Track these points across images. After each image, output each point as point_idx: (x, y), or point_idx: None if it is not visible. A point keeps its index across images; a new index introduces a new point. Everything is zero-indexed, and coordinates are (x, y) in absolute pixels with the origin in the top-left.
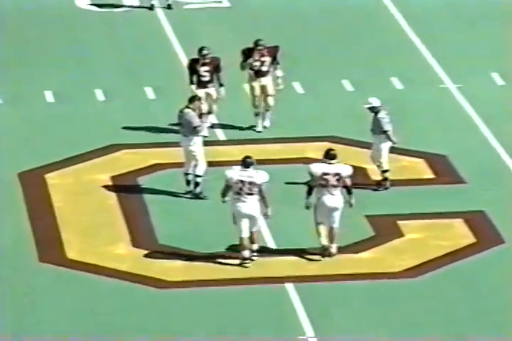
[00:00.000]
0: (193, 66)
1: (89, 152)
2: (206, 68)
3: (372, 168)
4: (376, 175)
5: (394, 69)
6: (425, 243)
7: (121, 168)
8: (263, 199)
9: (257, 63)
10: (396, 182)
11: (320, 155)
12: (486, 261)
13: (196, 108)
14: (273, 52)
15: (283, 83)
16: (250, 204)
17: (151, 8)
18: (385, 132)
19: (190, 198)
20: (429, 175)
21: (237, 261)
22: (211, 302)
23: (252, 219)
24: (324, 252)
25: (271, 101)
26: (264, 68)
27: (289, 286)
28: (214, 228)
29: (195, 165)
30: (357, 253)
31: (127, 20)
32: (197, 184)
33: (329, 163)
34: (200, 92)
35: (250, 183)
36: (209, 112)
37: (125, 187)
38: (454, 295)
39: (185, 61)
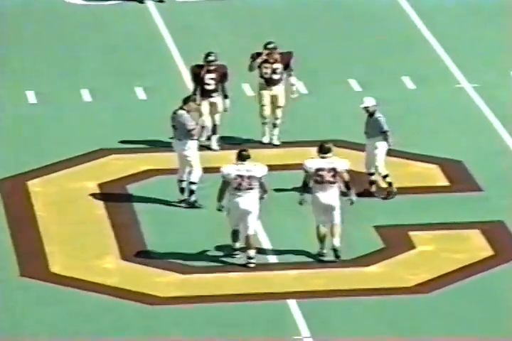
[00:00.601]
0: (196, 73)
1: (75, 157)
2: (212, 76)
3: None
4: (384, 182)
5: (405, 67)
6: (439, 256)
7: (109, 174)
8: (264, 191)
9: (268, 70)
10: (407, 190)
11: None
12: (505, 274)
13: (191, 109)
14: (286, 58)
15: (298, 91)
16: (249, 200)
17: (142, 1)
18: (384, 133)
19: (184, 207)
20: (443, 182)
21: (236, 275)
22: (207, 320)
23: (248, 214)
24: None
25: (279, 113)
26: (275, 76)
27: (292, 303)
28: (210, 239)
29: (190, 172)
30: (365, 266)
31: (116, 14)
32: (192, 192)
33: (323, 158)
34: (204, 103)
35: (250, 177)
36: (214, 127)
37: (114, 196)
38: (470, 312)
39: (178, 59)
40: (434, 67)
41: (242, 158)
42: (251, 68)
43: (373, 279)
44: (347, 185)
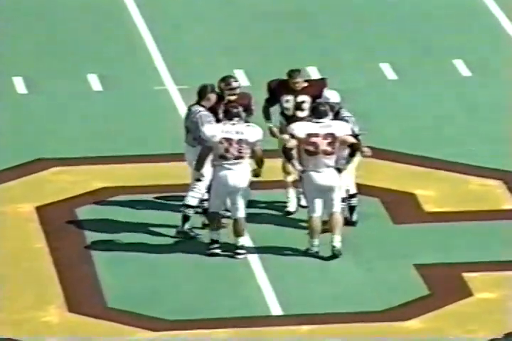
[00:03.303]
0: (213, 105)
1: (4, 170)
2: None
3: (424, 195)
4: (431, 204)
5: (457, 47)
6: (504, 306)
7: (51, 194)
8: (258, 161)
9: (289, 105)
10: (460, 216)
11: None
12: None
13: (210, 104)
14: (317, 88)
15: None
16: (238, 173)
17: None
18: (355, 137)
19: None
20: (509, 204)
21: (225, 332)
22: None
23: (237, 192)
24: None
25: None
26: (301, 113)
27: None
28: (189, 283)
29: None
30: (403, 320)
31: None
32: (186, 218)
33: (317, 122)
34: None
35: (240, 142)
36: None
37: (58, 223)
38: None
39: (147, 36)
40: (498, 46)
41: (229, 115)
42: (266, 116)
43: (415, 337)
44: (354, 149)
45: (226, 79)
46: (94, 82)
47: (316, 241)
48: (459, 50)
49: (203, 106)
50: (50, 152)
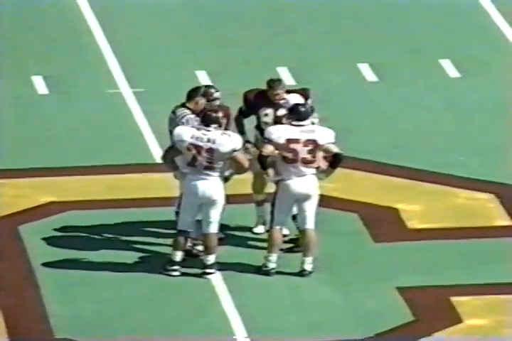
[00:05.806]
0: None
1: None
2: None
3: (408, 210)
4: (415, 220)
5: (444, 45)
6: (495, 333)
7: None
8: (238, 168)
9: (268, 119)
10: (448, 233)
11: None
12: None
13: (198, 109)
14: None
15: None
16: (210, 183)
17: None
18: None
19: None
20: (503, 220)
21: None
22: None
23: (209, 205)
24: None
25: None
26: None
27: None
28: (145, 310)
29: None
30: None
31: None
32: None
33: (297, 126)
34: None
35: (210, 151)
36: None
37: None
38: None
39: (99, 34)
40: (488, 45)
41: (207, 120)
42: (239, 126)
43: None
44: (335, 160)
45: (207, 90)
46: (39, 85)
47: (274, 257)
48: (447, 49)
49: (189, 108)
50: None
